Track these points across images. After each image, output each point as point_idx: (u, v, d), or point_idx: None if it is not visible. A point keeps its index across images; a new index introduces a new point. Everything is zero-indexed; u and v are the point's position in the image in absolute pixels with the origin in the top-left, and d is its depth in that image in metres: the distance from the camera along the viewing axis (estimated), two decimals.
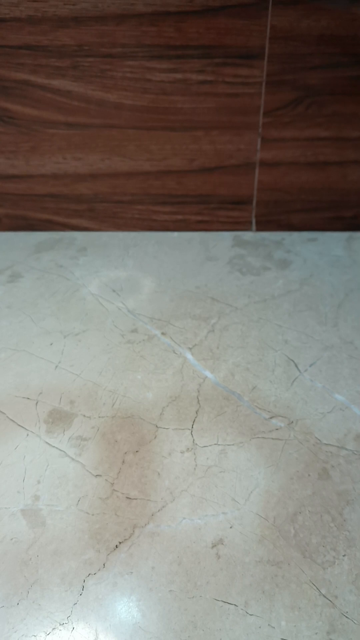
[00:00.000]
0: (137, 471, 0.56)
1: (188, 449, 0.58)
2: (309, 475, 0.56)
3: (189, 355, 0.70)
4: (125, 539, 0.51)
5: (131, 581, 0.48)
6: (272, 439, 0.59)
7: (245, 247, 0.92)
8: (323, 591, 0.47)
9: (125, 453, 0.58)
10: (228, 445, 0.59)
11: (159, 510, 0.53)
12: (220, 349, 0.71)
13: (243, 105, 0.82)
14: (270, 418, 0.62)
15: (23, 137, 0.86)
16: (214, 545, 0.50)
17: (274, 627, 0.44)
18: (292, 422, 0.61)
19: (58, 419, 0.62)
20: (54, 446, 0.59)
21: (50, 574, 0.48)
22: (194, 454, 0.58)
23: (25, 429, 0.61)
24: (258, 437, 0.60)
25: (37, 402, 0.64)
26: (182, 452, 0.58)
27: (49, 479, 0.56)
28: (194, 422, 0.61)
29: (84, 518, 0.52)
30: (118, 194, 0.92)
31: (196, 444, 0.59)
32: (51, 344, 0.73)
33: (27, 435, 0.61)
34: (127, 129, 0.85)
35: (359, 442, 0.59)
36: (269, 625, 0.45)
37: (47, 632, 0.44)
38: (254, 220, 0.95)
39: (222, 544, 0.50)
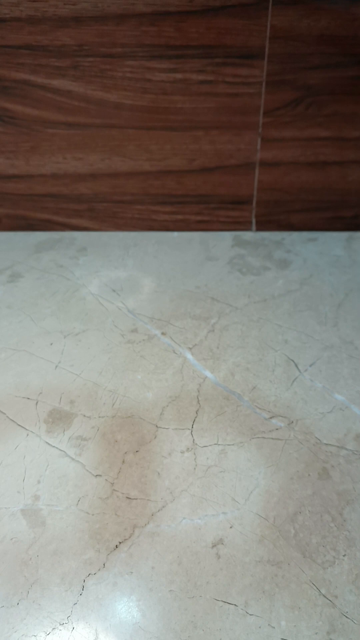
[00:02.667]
0: (137, 471, 0.56)
1: (188, 449, 0.58)
2: (309, 475, 0.56)
3: (189, 355, 0.70)
4: (125, 539, 0.51)
5: (131, 581, 0.48)
6: (272, 439, 0.59)
7: (245, 247, 0.92)
8: (323, 591, 0.47)
9: (125, 453, 0.58)
10: (228, 445, 0.59)
11: (159, 510, 0.53)
12: (220, 349, 0.71)
13: (243, 105, 0.82)
14: (270, 418, 0.62)
15: (23, 137, 0.86)
16: (214, 545, 0.50)
17: (274, 627, 0.44)
18: (292, 422, 0.61)
19: (58, 418, 0.62)
20: (54, 446, 0.59)
21: (50, 574, 0.48)
22: (194, 454, 0.58)
23: (25, 429, 0.61)
24: (258, 437, 0.60)
25: (37, 402, 0.64)
26: (182, 452, 0.58)
27: (49, 479, 0.56)
28: (194, 422, 0.62)
29: (84, 518, 0.52)
30: (118, 194, 0.92)
31: (196, 444, 0.59)
32: (51, 344, 0.73)
33: (27, 435, 0.61)
34: (127, 129, 0.85)
35: (359, 442, 0.59)
36: (269, 625, 0.45)
37: (47, 632, 0.44)
38: (254, 220, 0.95)
39: (222, 544, 0.50)
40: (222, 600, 0.46)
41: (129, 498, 0.54)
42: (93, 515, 0.53)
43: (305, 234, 0.95)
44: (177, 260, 0.89)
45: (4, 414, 0.63)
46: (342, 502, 0.53)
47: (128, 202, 0.93)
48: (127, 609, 0.46)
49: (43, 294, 0.82)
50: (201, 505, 0.53)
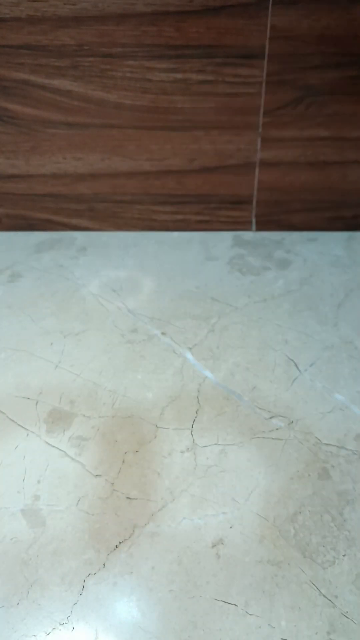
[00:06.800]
0: (137, 471, 0.56)
1: (188, 448, 0.58)
2: (309, 475, 0.56)
3: (189, 355, 0.70)
4: (125, 539, 0.51)
5: (131, 581, 0.48)
6: (272, 438, 0.59)
7: (245, 247, 0.92)
8: (323, 591, 0.47)
9: (125, 453, 0.58)
10: (228, 445, 0.59)
11: (159, 510, 0.53)
12: (220, 349, 0.71)
13: (243, 105, 0.82)
14: (270, 418, 0.62)
15: (23, 137, 0.86)
16: (214, 545, 0.50)
17: (274, 627, 0.44)
18: (292, 422, 0.61)
19: (58, 418, 0.62)
20: (54, 446, 0.59)
21: (50, 574, 0.48)
22: (194, 453, 0.58)
23: (25, 428, 0.61)
24: (258, 437, 0.60)
25: (37, 402, 0.64)
26: (182, 452, 0.58)
27: (49, 479, 0.56)
28: (194, 422, 0.62)
29: (84, 518, 0.52)
30: (118, 194, 0.92)
31: (196, 444, 0.59)
32: (51, 344, 0.73)
33: (27, 435, 0.61)
34: (127, 129, 0.85)
35: (359, 442, 0.59)
36: (269, 625, 0.45)
37: (47, 632, 0.44)
38: (254, 220, 0.95)
39: (222, 544, 0.50)
40: (222, 600, 0.46)
41: (129, 498, 0.54)
42: (93, 515, 0.53)
43: (305, 234, 0.95)
44: (177, 260, 0.89)
45: (4, 414, 0.63)
46: (342, 502, 0.53)
47: (128, 202, 0.93)
48: (127, 609, 0.46)
49: (43, 294, 0.82)
50: (201, 505, 0.53)
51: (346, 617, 0.45)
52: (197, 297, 0.81)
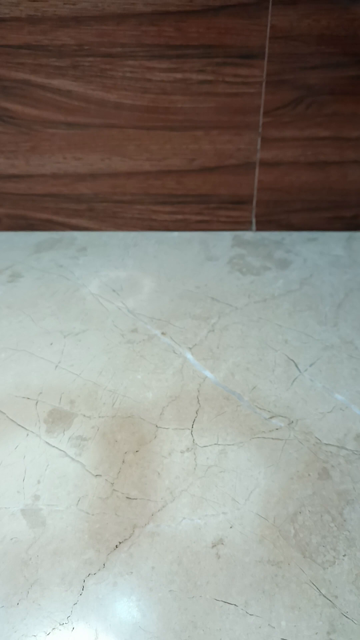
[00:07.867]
0: (137, 471, 0.56)
1: (188, 448, 0.58)
2: (309, 475, 0.56)
3: (189, 355, 0.70)
4: (125, 539, 0.51)
5: (131, 581, 0.48)
6: (272, 438, 0.59)
7: (245, 247, 0.92)
8: (323, 591, 0.47)
9: (125, 453, 0.58)
10: (228, 445, 0.59)
11: (159, 510, 0.53)
12: (220, 349, 0.71)
13: (243, 105, 0.82)
14: (270, 418, 0.62)
15: (23, 137, 0.86)
16: (214, 545, 0.50)
17: (274, 627, 0.44)
18: (292, 422, 0.61)
19: (58, 418, 0.62)
20: (54, 446, 0.59)
21: (50, 574, 0.48)
22: (194, 453, 0.58)
23: (25, 428, 0.61)
24: (258, 437, 0.60)
25: (37, 402, 0.64)
26: (182, 452, 0.58)
27: (49, 479, 0.56)
28: (194, 422, 0.62)
29: (84, 518, 0.52)
30: (118, 194, 0.92)
31: (196, 444, 0.59)
32: (51, 344, 0.73)
33: (27, 435, 0.61)
34: (127, 129, 0.85)
35: (359, 442, 0.59)
36: (269, 625, 0.45)
37: (47, 632, 0.44)
38: (254, 220, 0.95)
39: (222, 543, 0.50)
40: (222, 600, 0.46)
41: (129, 498, 0.54)
42: (93, 515, 0.53)
43: (305, 234, 0.95)
44: (177, 260, 0.89)
45: (4, 414, 0.63)
46: (342, 502, 0.53)
47: (128, 202, 0.93)
48: (127, 609, 0.46)
49: (43, 294, 0.82)
50: (201, 505, 0.53)
51: (346, 617, 0.45)
52: (197, 297, 0.81)
